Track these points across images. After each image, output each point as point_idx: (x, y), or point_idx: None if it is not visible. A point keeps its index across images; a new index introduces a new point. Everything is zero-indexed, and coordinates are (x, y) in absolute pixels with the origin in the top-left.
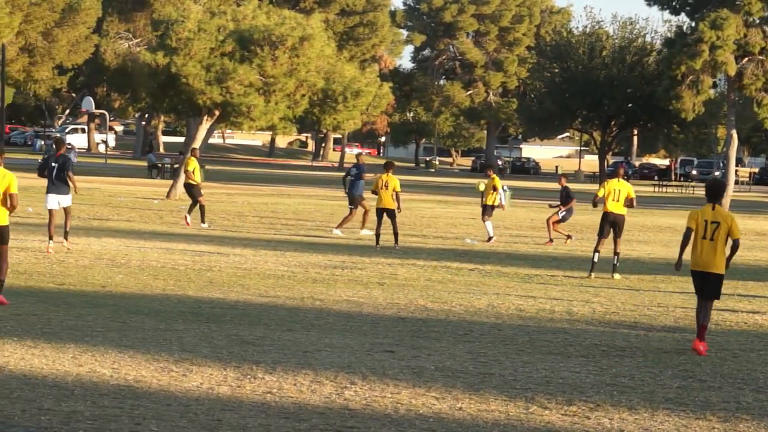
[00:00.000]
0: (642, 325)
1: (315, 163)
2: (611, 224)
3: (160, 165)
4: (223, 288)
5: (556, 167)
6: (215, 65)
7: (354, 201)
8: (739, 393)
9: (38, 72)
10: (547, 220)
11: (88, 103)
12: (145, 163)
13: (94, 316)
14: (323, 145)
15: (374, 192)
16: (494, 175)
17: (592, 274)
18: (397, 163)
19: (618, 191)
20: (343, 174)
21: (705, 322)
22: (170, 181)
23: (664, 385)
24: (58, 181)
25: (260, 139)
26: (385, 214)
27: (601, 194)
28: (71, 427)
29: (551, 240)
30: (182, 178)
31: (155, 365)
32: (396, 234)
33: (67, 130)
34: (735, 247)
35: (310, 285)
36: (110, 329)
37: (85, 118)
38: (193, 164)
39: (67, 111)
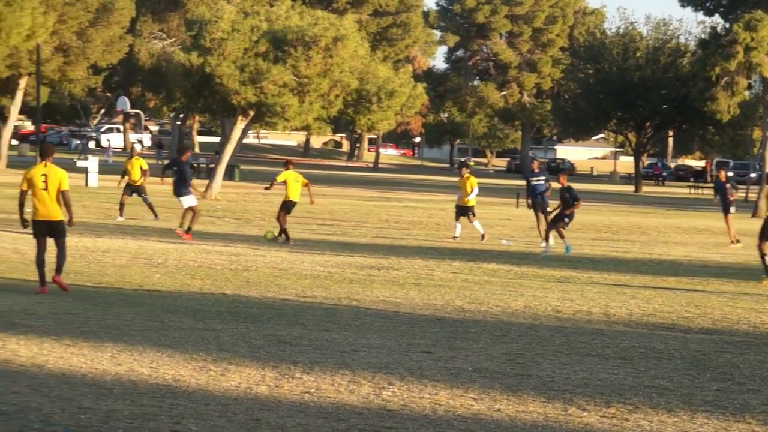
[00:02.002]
0: (680, 327)
1: (350, 164)
2: None
3: (195, 165)
4: (260, 288)
5: (591, 168)
6: (249, 65)
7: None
8: None
9: (73, 71)
10: None
11: (123, 103)
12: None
13: (132, 315)
14: (358, 145)
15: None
16: (468, 175)
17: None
18: (431, 164)
19: None
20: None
21: None
22: (206, 181)
23: (702, 387)
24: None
25: (295, 139)
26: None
27: None
28: (110, 425)
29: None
30: (219, 177)
31: (194, 364)
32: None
33: (102, 130)
34: None
35: (346, 285)
36: (148, 328)
37: (120, 118)
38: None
39: (103, 110)
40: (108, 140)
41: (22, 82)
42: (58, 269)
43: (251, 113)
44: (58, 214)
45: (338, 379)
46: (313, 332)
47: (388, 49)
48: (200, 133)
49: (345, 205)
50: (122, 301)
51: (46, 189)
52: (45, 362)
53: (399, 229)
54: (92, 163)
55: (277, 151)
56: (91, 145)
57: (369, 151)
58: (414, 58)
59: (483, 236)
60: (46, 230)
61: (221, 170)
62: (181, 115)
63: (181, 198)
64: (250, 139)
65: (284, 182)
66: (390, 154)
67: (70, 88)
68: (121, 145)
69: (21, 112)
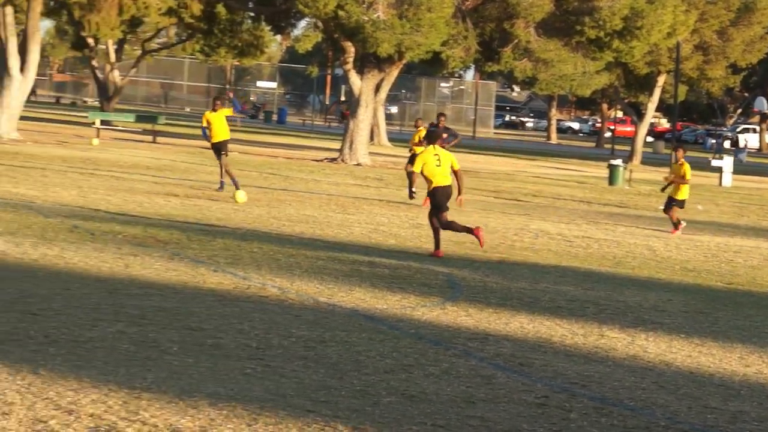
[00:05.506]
0: None
1: None
2: None
3: None
4: None
5: None
6: None
7: None
8: None
9: (712, 70)
10: None
11: (761, 104)
12: None
13: (763, 318)
14: None
15: None
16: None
17: None
18: None
19: None
20: None
21: None
22: None
23: None
24: None
25: None
26: None
27: None
28: (737, 427)
29: None
30: None
31: None
32: None
33: (738, 130)
34: None
35: None
36: None
37: (756, 119)
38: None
39: (739, 110)
40: (745, 140)
41: (660, 80)
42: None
43: None
44: (450, 180)
45: None
46: None
47: None
48: None
49: None
50: (753, 302)
51: (439, 166)
52: (673, 360)
53: None
54: (727, 162)
55: None
56: (726, 144)
57: None
58: None
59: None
60: (446, 197)
61: None
62: None
63: None
64: None
65: None
66: None
67: (707, 86)
68: (757, 145)
69: (657, 110)
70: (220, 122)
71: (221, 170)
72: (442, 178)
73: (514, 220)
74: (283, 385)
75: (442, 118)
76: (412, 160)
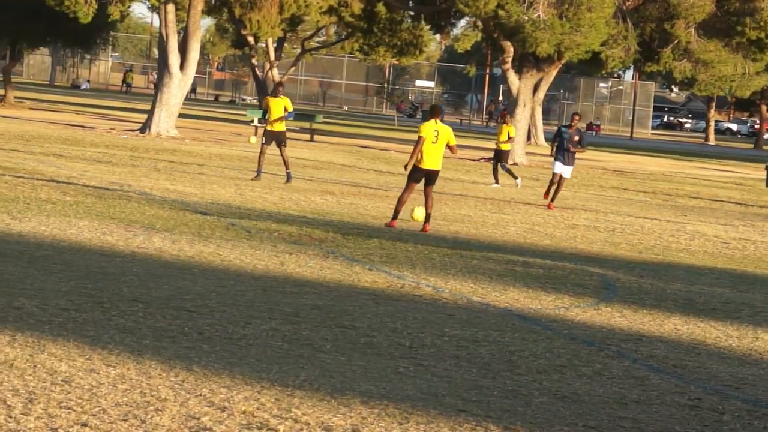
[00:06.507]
0: None
1: None
2: None
3: None
4: None
5: None
6: None
7: None
8: None
9: None
10: None
11: None
12: None
13: None
14: None
15: None
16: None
17: None
18: None
19: None
20: None
21: None
22: None
23: None
24: None
25: None
26: None
27: None
28: None
29: None
30: None
31: None
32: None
33: None
34: None
35: None
36: None
37: None
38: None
39: None
40: None
41: None
42: (428, 218)
43: None
44: (438, 165)
45: None
46: None
47: None
48: None
49: None
50: None
51: (435, 143)
52: None
53: None
54: None
55: None
56: None
57: None
58: None
59: None
60: (422, 177)
61: None
62: None
63: None
64: None
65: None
66: None
67: None
68: None
69: None
70: (278, 110)
71: (283, 160)
72: (432, 161)
73: (670, 221)
74: (435, 385)
75: (576, 117)
76: (497, 156)
